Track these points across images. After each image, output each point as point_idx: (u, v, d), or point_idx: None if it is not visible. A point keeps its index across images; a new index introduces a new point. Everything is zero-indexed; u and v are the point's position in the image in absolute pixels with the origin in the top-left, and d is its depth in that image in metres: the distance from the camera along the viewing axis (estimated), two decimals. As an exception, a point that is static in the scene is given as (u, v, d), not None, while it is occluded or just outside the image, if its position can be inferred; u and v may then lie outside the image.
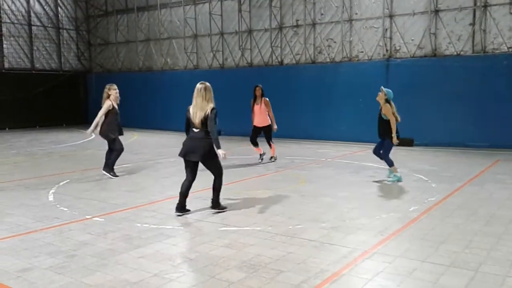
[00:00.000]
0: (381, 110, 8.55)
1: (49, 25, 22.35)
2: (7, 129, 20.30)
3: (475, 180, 8.53)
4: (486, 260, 4.50)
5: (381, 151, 8.65)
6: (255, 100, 10.64)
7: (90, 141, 16.25)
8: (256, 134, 10.85)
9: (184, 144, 6.33)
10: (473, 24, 13.15)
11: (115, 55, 22.62)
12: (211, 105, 6.17)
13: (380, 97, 8.60)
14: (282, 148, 13.62)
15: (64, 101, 22.40)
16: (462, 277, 4.08)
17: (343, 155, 11.97)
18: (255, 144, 10.88)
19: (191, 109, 6.26)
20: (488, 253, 4.69)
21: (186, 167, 6.36)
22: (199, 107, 6.15)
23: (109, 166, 9.21)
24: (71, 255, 4.77)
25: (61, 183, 8.57)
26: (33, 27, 21.69)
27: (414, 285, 3.95)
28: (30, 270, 4.39)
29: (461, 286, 3.91)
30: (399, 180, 8.40)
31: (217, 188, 6.44)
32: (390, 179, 8.48)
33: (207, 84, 6.28)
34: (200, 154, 6.19)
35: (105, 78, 22.97)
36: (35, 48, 21.78)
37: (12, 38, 20.98)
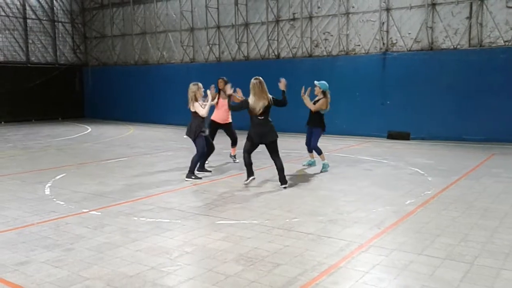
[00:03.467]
0: (316, 102, 9.02)
1: (44, 18, 22.20)
2: (2, 122, 20.21)
3: (470, 173, 8.57)
4: (482, 252, 4.53)
5: (311, 141, 9.16)
6: (219, 94, 9.65)
7: (87, 135, 16.22)
8: (215, 131, 9.80)
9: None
10: (469, 17, 13.15)
11: (111, 48, 22.51)
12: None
13: (318, 92, 9.05)
14: (278, 142, 13.61)
15: (59, 95, 22.30)
16: (458, 270, 4.12)
17: (340, 148, 12.00)
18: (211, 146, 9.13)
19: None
20: (483, 246, 4.72)
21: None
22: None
23: (191, 171, 8.38)
24: (68, 249, 4.77)
25: (58, 177, 8.55)
26: (28, 20, 21.53)
27: (410, 278, 3.98)
28: (27, 263, 4.39)
29: (457, 278, 3.94)
30: (327, 167, 8.98)
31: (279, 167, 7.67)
32: (322, 169, 8.94)
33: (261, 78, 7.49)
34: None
35: (101, 72, 23.01)
36: (30, 41, 21.64)
37: (7, 31, 20.83)
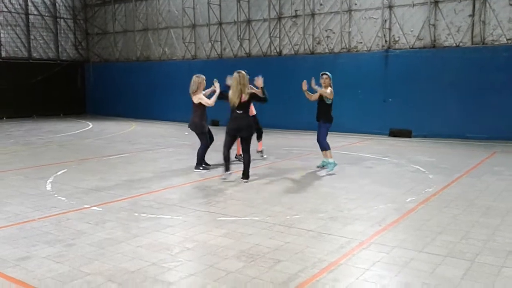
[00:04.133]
0: (323, 93, 8.48)
1: (46, 14, 22.20)
2: (4, 118, 20.25)
3: (472, 171, 8.56)
4: (483, 250, 4.53)
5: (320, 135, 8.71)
6: None
7: (88, 131, 16.24)
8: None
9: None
10: (472, 15, 13.11)
11: (112, 44, 22.50)
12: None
13: (327, 83, 8.57)
14: (280, 139, 13.64)
15: (61, 91, 22.33)
16: (459, 267, 4.11)
17: (341, 146, 11.98)
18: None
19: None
20: (485, 243, 4.72)
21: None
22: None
23: (198, 162, 8.72)
24: (69, 244, 4.78)
25: (59, 173, 8.56)
26: (30, 16, 21.53)
27: (411, 275, 3.97)
28: (29, 258, 4.40)
29: (458, 276, 3.94)
30: (335, 165, 8.49)
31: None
32: (328, 169, 8.50)
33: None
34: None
35: (103, 68, 23.01)
36: (32, 37, 21.65)
37: (9, 27, 20.85)
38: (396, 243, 4.75)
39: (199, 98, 8.41)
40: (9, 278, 3.97)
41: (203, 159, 8.80)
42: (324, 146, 8.59)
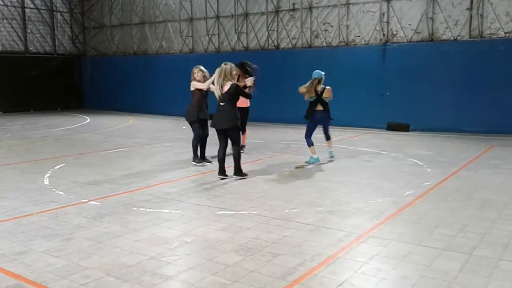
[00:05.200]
0: (322, 93, 8.69)
1: (42, 8, 22.06)
2: (1, 112, 20.17)
3: (470, 165, 8.58)
4: (480, 243, 4.54)
5: (326, 131, 9.11)
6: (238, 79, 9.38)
7: (86, 125, 16.20)
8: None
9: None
10: (470, 8, 13.09)
11: (109, 38, 22.40)
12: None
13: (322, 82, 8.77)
14: (278, 133, 13.64)
15: (58, 85, 22.22)
16: (456, 260, 4.13)
17: (339, 140, 11.99)
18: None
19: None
20: (482, 236, 4.73)
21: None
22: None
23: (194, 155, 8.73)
24: (67, 238, 4.77)
25: (57, 167, 8.55)
26: (26, 10, 21.39)
27: (408, 268, 3.99)
28: (27, 253, 4.39)
29: (455, 269, 3.95)
30: (316, 161, 8.73)
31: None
32: (308, 160, 8.80)
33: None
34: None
35: (100, 62, 22.91)
36: (28, 31, 21.52)
37: (5, 21, 20.71)
38: (394, 236, 4.77)
39: (194, 84, 8.49)
40: (7, 272, 3.96)
41: (202, 153, 8.79)
42: (309, 142, 8.86)
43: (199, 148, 8.72)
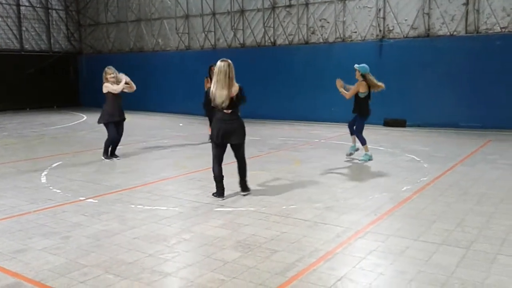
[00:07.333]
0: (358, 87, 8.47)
1: (37, 5, 21.94)
2: (-3, 111, 20.10)
3: (466, 160, 8.61)
4: (477, 238, 4.56)
5: (354, 128, 8.76)
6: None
7: (82, 123, 16.15)
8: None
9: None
10: (466, 4, 13.10)
11: (105, 36, 22.31)
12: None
13: (358, 76, 8.49)
14: (275, 130, 13.63)
15: (54, 83, 22.14)
16: (454, 255, 4.15)
17: (337, 136, 12.00)
18: None
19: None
20: (479, 231, 4.76)
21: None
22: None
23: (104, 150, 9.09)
24: (66, 236, 4.77)
25: (54, 165, 8.53)
26: (21, 7, 21.28)
27: (406, 263, 4.00)
28: (25, 251, 4.39)
29: (453, 263, 3.97)
30: (370, 159, 8.50)
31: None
32: (362, 157, 8.55)
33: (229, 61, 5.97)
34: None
35: (96, 59, 22.80)
36: (24, 28, 21.41)
37: (0, 19, 20.59)
38: (392, 231, 4.78)
39: (106, 86, 8.81)
40: (5, 270, 3.96)
41: (113, 150, 9.08)
42: (361, 140, 8.55)
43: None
